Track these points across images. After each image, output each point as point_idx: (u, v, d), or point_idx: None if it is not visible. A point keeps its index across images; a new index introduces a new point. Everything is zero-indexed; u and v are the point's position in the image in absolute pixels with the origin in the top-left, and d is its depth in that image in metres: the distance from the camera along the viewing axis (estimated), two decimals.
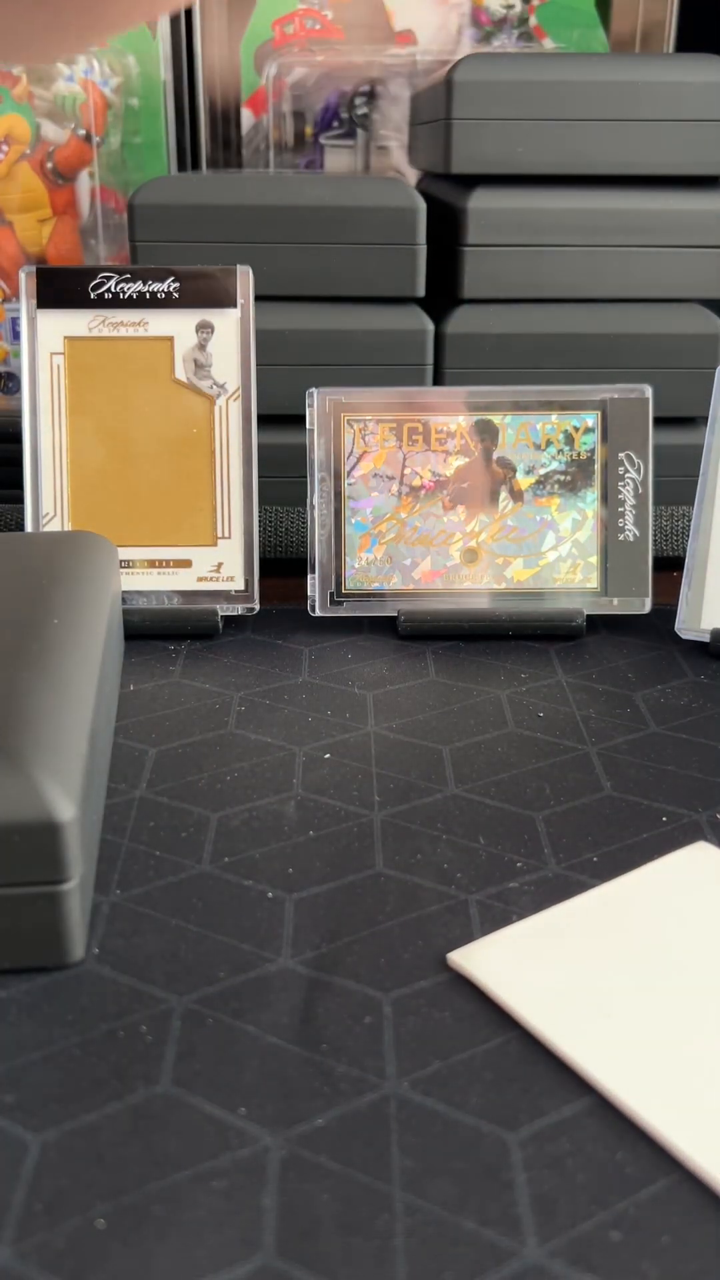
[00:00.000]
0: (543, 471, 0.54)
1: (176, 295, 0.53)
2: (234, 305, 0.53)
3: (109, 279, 0.53)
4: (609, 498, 0.54)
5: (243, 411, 0.53)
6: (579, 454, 0.54)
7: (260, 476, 0.55)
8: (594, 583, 0.54)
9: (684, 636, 0.53)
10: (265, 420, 0.56)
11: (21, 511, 0.57)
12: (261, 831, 0.39)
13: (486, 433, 0.54)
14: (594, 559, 0.54)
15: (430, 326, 0.58)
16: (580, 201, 0.58)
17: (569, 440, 0.54)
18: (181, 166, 0.76)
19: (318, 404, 0.53)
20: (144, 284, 0.53)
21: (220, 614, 0.53)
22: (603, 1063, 0.29)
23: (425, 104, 0.63)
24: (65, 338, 0.53)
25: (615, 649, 0.53)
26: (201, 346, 0.53)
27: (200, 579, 0.54)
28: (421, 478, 0.54)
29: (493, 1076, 0.29)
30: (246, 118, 0.77)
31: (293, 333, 0.58)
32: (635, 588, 0.54)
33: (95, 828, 0.37)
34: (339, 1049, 0.30)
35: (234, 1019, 0.31)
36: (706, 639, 0.52)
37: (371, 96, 0.77)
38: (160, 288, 0.53)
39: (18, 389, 0.75)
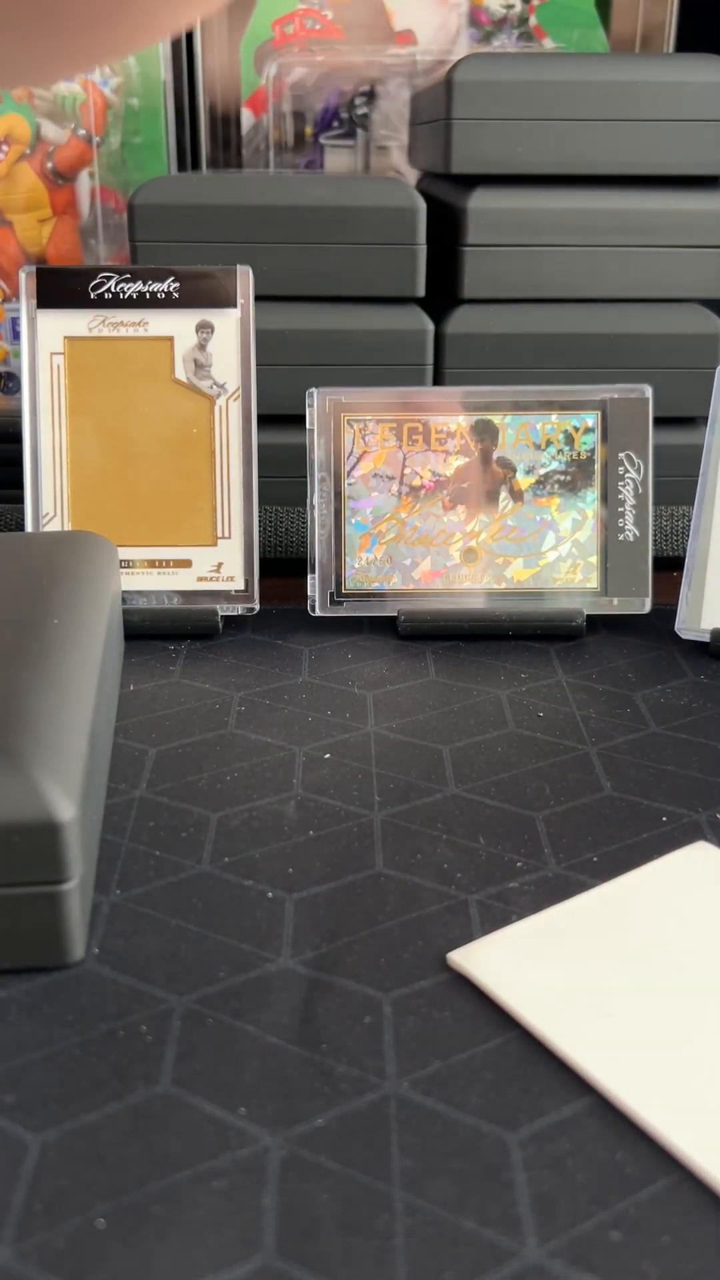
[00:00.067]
0: (543, 471, 0.54)
1: (176, 295, 0.53)
2: (234, 305, 0.53)
3: (109, 279, 0.53)
4: (609, 498, 0.54)
5: (243, 411, 0.53)
6: (579, 454, 0.54)
7: (260, 476, 0.55)
8: (594, 583, 0.54)
9: (684, 636, 0.53)
10: (265, 420, 0.56)
11: (21, 511, 0.57)
12: (261, 831, 0.39)
13: (486, 433, 0.54)
14: (594, 559, 0.54)
15: (430, 326, 0.58)
16: (580, 201, 0.58)
17: (569, 440, 0.54)
18: (181, 166, 0.76)
19: (318, 404, 0.53)
20: (144, 284, 0.53)
21: (220, 614, 0.53)
22: (603, 1063, 0.29)
23: (425, 104, 0.63)
24: (65, 338, 0.53)
25: (615, 649, 0.53)
26: (201, 346, 0.53)
27: (200, 579, 0.54)
28: (421, 478, 0.54)
29: (493, 1076, 0.29)
30: (246, 118, 0.77)
31: (293, 333, 0.58)
32: (635, 588, 0.54)
33: (95, 828, 0.37)
34: (339, 1049, 0.30)
35: (234, 1019, 0.31)
36: (706, 639, 0.52)
37: (371, 96, 0.77)
38: (160, 288, 0.53)
39: (18, 389, 0.75)
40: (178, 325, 0.53)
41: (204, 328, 0.53)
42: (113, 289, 0.53)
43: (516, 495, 0.54)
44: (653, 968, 0.33)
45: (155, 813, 0.40)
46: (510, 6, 0.76)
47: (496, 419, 0.54)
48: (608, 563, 0.54)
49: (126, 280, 0.53)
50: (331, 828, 0.40)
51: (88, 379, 0.53)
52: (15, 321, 0.75)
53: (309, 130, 0.77)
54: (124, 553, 0.54)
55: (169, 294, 0.53)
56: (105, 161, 0.74)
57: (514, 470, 0.54)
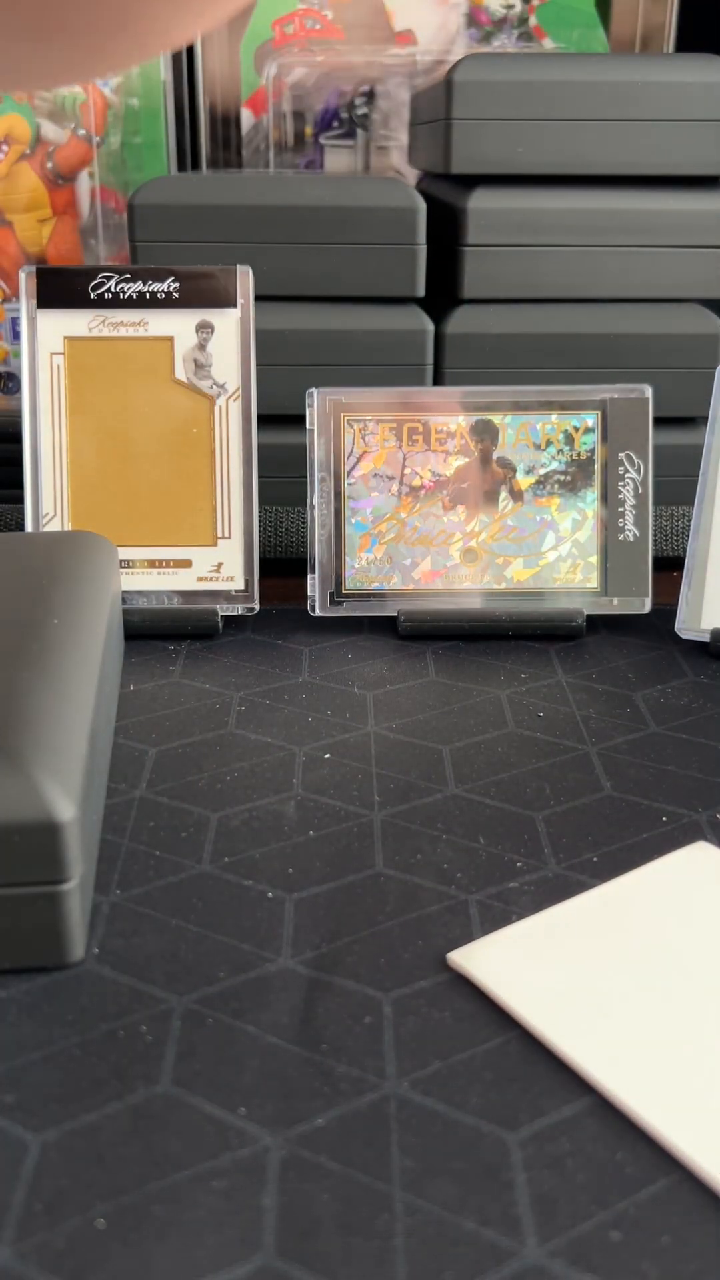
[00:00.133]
0: (543, 471, 0.54)
1: (176, 295, 0.53)
2: (234, 305, 0.53)
3: (109, 279, 0.53)
4: (609, 498, 0.54)
5: (243, 411, 0.53)
6: (579, 454, 0.54)
7: (260, 476, 0.55)
8: (594, 583, 0.54)
9: (684, 636, 0.53)
10: (265, 420, 0.56)
11: (21, 511, 0.57)
12: (261, 831, 0.39)
13: (486, 433, 0.54)
14: (594, 559, 0.54)
15: (430, 326, 0.58)
16: (580, 201, 0.58)
17: (569, 440, 0.54)
18: (181, 166, 0.76)
19: (318, 404, 0.53)
20: (144, 284, 0.53)
21: (220, 614, 0.53)
22: (603, 1063, 0.29)
23: (425, 104, 0.63)
24: (65, 338, 0.53)
25: (615, 649, 0.53)
26: (201, 346, 0.53)
27: (200, 579, 0.54)
28: (421, 478, 0.54)
29: (493, 1076, 0.29)
30: (246, 118, 0.77)
31: (293, 333, 0.58)
32: (635, 588, 0.54)
33: (95, 828, 0.37)
34: (339, 1049, 0.30)
35: (234, 1019, 0.31)
36: (706, 639, 0.52)
37: (371, 96, 0.77)
38: (160, 288, 0.53)
39: (18, 389, 0.75)
40: (178, 325, 0.53)
41: (204, 328, 0.53)
42: (113, 289, 0.53)
43: (516, 495, 0.54)
44: (653, 968, 0.33)
45: (155, 813, 0.40)
46: (510, 6, 0.76)
47: (496, 419, 0.54)
48: (608, 563, 0.54)
49: (126, 280, 0.53)
50: (331, 828, 0.40)
51: (88, 379, 0.53)
52: (15, 321, 0.75)
53: (309, 130, 0.77)
54: (124, 553, 0.54)
55: (169, 294, 0.53)
56: (105, 161, 0.74)
57: (514, 470, 0.54)
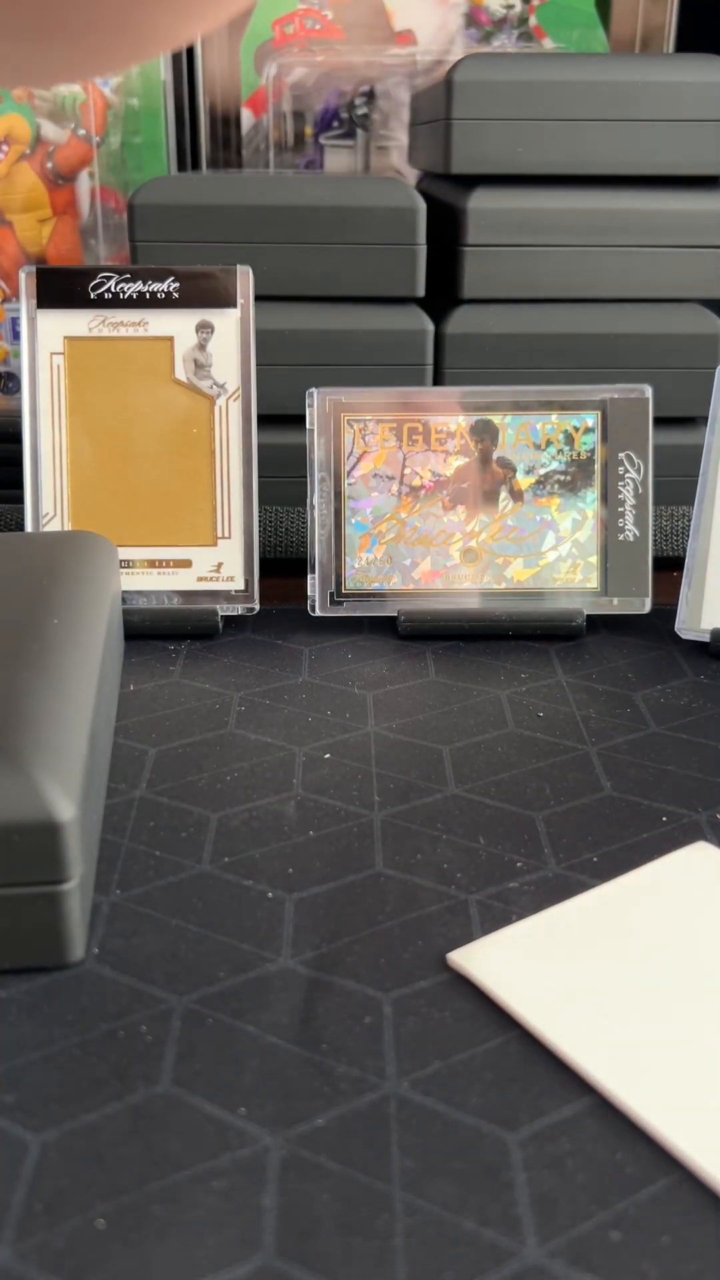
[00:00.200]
0: (543, 471, 0.54)
1: (176, 295, 0.53)
2: (234, 305, 0.53)
3: (109, 279, 0.53)
4: (609, 498, 0.54)
5: (243, 411, 0.53)
6: (579, 454, 0.54)
7: (260, 476, 0.55)
8: (594, 583, 0.54)
9: (684, 636, 0.53)
10: (265, 420, 0.56)
11: (21, 511, 0.57)
12: (261, 831, 0.39)
13: (486, 433, 0.54)
14: (594, 559, 0.54)
15: (430, 326, 0.58)
16: (580, 201, 0.58)
17: (569, 440, 0.54)
18: (181, 166, 0.76)
19: (318, 404, 0.53)
20: (144, 284, 0.53)
21: (220, 614, 0.53)
22: (603, 1063, 0.29)
23: (425, 104, 0.63)
24: (65, 338, 0.53)
25: (615, 649, 0.53)
26: (201, 346, 0.53)
27: (200, 579, 0.54)
28: (421, 478, 0.54)
29: (493, 1076, 0.29)
30: (246, 118, 0.77)
31: (293, 333, 0.58)
32: (635, 588, 0.54)
33: (95, 828, 0.37)
34: (339, 1049, 0.30)
35: (234, 1019, 0.31)
36: (706, 639, 0.52)
37: (371, 96, 0.77)
38: (160, 288, 0.53)
39: (18, 389, 0.75)
40: (178, 325, 0.53)
41: (204, 328, 0.53)
42: (113, 289, 0.53)
43: (516, 495, 0.54)
44: (653, 968, 0.33)
45: (155, 813, 0.40)
46: (510, 6, 0.76)
47: (496, 419, 0.54)
48: (608, 563, 0.54)
49: (126, 280, 0.53)
50: (331, 828, 0.40)
51: (88, 379, 0.53)
52: (15, 321, 0.75)
53: (309, 130, 0.77)
54: (124, 553, 0.54)
55: (169, 294, 0.53)
56: (105, 161, 0.74)
57: (514, 470, 0.54)
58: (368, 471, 0.54)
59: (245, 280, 0.53)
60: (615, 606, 0.54)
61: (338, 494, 0.54)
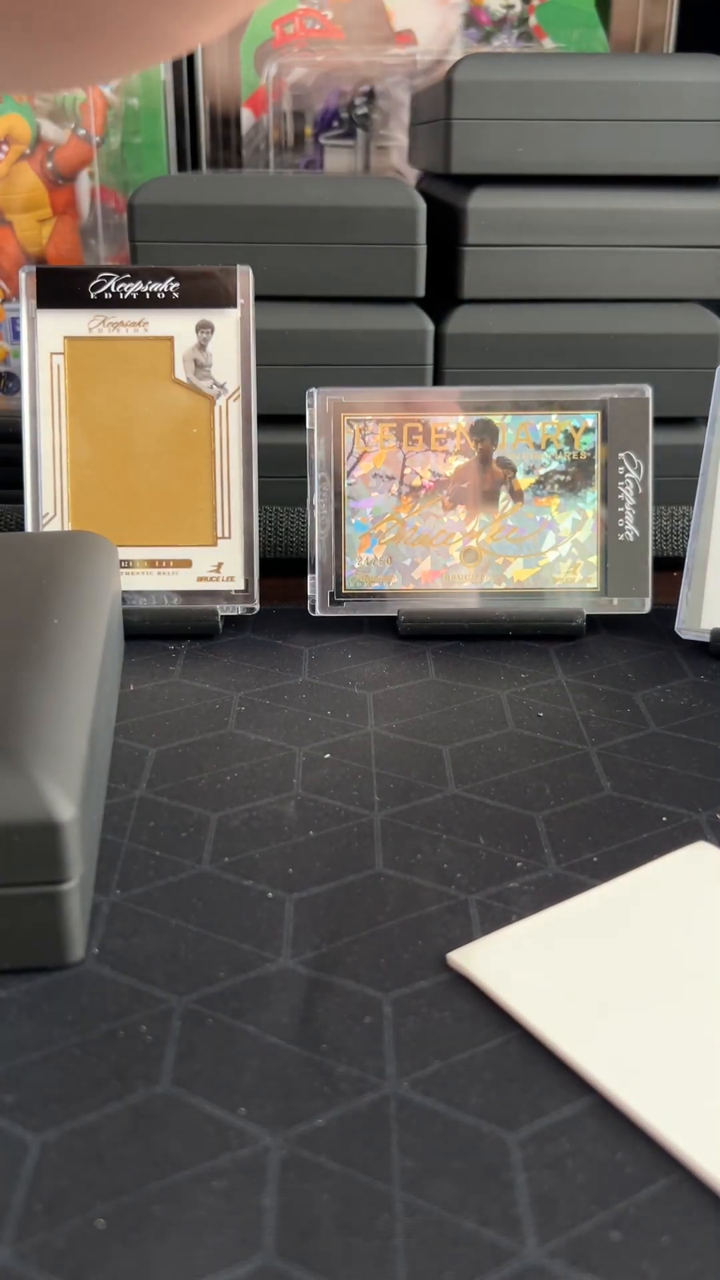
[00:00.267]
0: (543, 471, 0.54)
1: (176, 295, 0.53)
2: (234, 305, 0.53)
3: (109, 279, 0.53)
4: (609, 498, 0.54)
5: (243, 411, 0.53)
6: (579, 454, 0.54)
7: (260, 476, 0.55)
8: (594, 583, 0.54)
9: (684, 636, 0.53)
10: (265, 420, 0.56)
11: (21, 511, 0.57)
12: (261, 831, 0.39)
13: (486, 433, 0.54)
14: (594, 559, 0.54)
15: (430, 326, 0.58)
16: (580, 201, 0.58)
17: (569, 440, 0.54)
18: (181, 166, 0.76)
19: (318, 404, 0.53)
20: (144, 284, 0.53)
21: (220, 614, 0.53)
22: (603, 1063, 0.29)
23: (425, 104, 0.63)
24: (65, 338, 0.53)
25: (615, 649, 0.53)
26: (201, 346, 0.53)
27: (200, 579, 0.54)
28: (421, 478, 0.54)
29: (493, 1076, 0.29)
30: (246, 118, 0.77)
31: (293, 333, 0.58)
32: (635, 588, 0.54)
33: (95, 828, 0.37)
34: (339, 1049, 0.30)
35: (234, 1019, 0.31)
36: (706, 639, 0.52)
37: (371, 96, 0.77)
38: (160, 288, 0.53)
39: (18, 389, 0.75)
40: (178, 325, 0.53)
41: (204, 328, 0.53)
42: (113, 289, 0.53)
43: (516, 495, 0.54)
44: (653, 968, 0.33)
45: (155, 813, 0.40)
46: (510, 6, 0.76)
47: (496, 419, 0.54)
48: (608, 563, 0.54)
49: (126, 280, 0.53)
50: (331, 828, 0.40)
51: (88, 379, 0.53)
52: (15, 321, 0.75)
53: (309, 130, 0.77)
54: (124, 553, 0.54)
55: (169, 294, 0.53)
56: (105, 161, 0.74)
57: (514, 470, 0.54)
58: (368, 471, 0.54)
59: (245, 280, 0.53)
60: (615, 606, 0.54)
61: (338, 494, 0.54)
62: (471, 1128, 0.28)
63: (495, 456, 0.54)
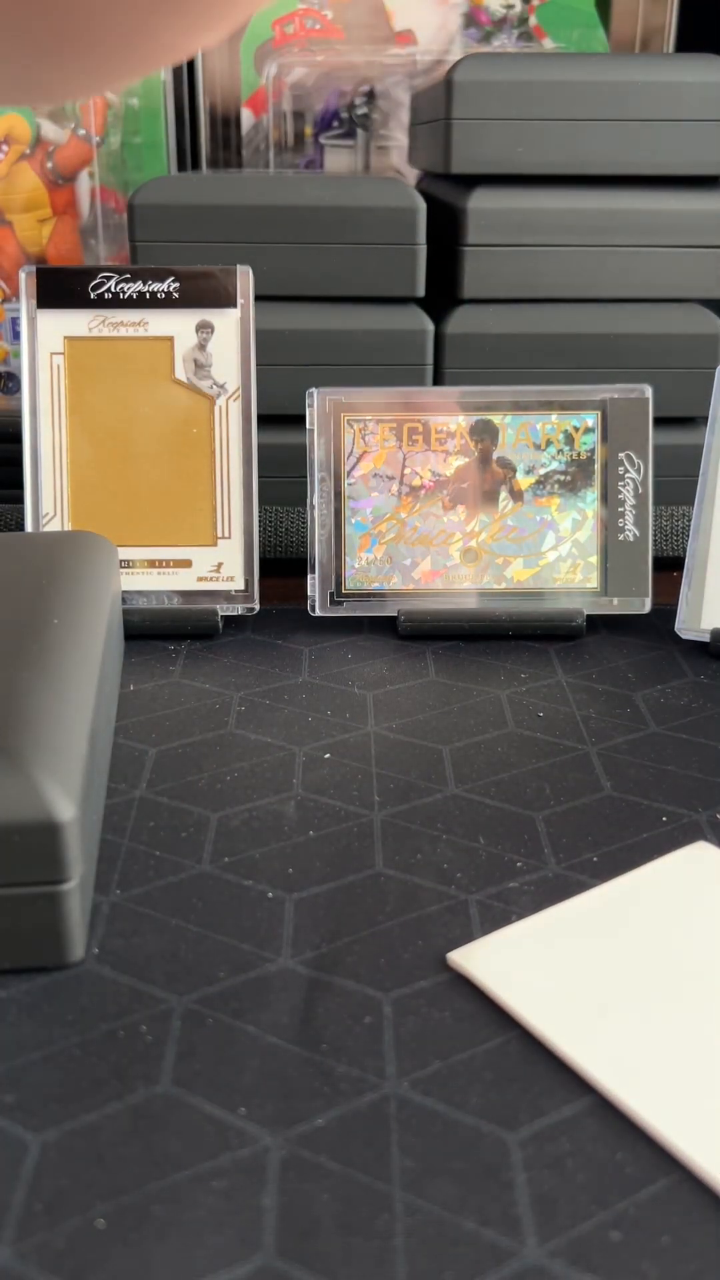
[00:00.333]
0: (543, 471, 0.54)
1: (176, 295, 0.53)
2: (234, 305, 0.53)
3: (109, 279, 0.53)
4: (609, 498, 0.54)
5: (243, 411, 0.53)
6: (579, 454, 0.54)
7: (260, 476, 0.55)
8: (594, 583, 0.54)
9: (684, 636, 0.53)
10: (265, 420, 0.56)
11: (21, 511, 0.57)
12: (261, 831, 0.39)
13: (486, 433, 0.54)
14: (594, 559, 0.54)
15: (430, 326, 0.58)
16: (580, 201, 0.58)
17: (569, 440, 0.54)
18: (181, 166, 0.76)
19: (318, 404, 0.53)
20: (144, 284, 0.53)
21: (220, 614, 0.53)
22: (603, 1063, 0.29)
23: (425, 104, 0.63)
24: (65, 338, 0.53)
25: (615, 649, 0.53)
26: (201, 346, 0.53)
27: (200, 579, 0.54)
28: (421, 478, 0.54)
29: (493, 1076, 0.29)
30: (246, 118, 0.77)
31: (293, 333, 0.58)
32: (635, 588, 0.54)
33: (95, 828, 0.37)
34: (339, 1049, 0.30)
35: (234, 1019, 0.31)
36: (706, 639, 0.52)
37: (371, 96, 0.77)
38: (160, 288, 0.53)
39: (18, 389, 0.75)
40: (178, 325, 0.53)
41: (204, 328, 0.53)
42: (113, 289, 0.53)
43: (516, 495, 0.54)
44: (653, 968, 0.33)
45: (155, 813, 0.40)
46: (510, 6, 0.76)
47: (496, 419, 0.54)
48: (608, 563, 0.54)
49: (126, 280, 0.53)
50: (331, 828, 0.40)
51: (88, 379, 0.53)
52: (15, 321, 0.75)
53: (309, 130, 0.77)
54: (124, 553, 0.54)
55: (169, 294, 0.53)
56: (105, 161, 0.74)
57: (514, 470, 0.54)
58: (368, 471, 0.54)
59: (245, 280, 0.53)
60: (615, 606, 0.54)
61: (338, 494, 0.54)
62: (471, 1128, 0.28)
63: (495, 456, 0.54)
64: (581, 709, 0.48)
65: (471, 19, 0.77)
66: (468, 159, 0.57)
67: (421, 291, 0.58)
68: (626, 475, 0.54)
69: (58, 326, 0.53)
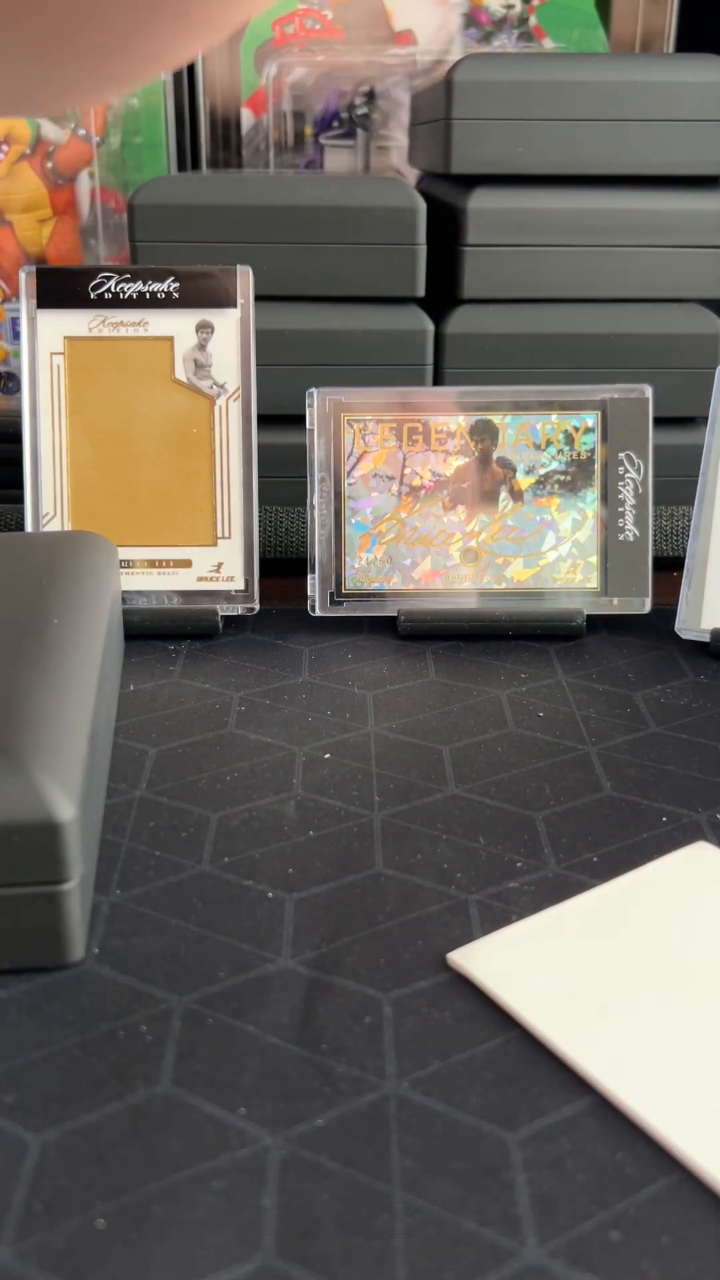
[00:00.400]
0: (543, 471, 0.54)
1: (176, 295, 0.53)
2: (234, 305, 0.53)
3: (109, 279, 0.53)
4: (609, 498, 0.54)
5: (243, 411, 0.53)
6: (579, 454, 0.54)
7: (260, 476, 0.55)
8: (594, 583, 0.54)
9: (684, 636, 0.53)
10: (265, 420, 0.56)
11: (21, 511, 0.57)
12: (261, 831, 0.39)
13: (486, 433, 0.54)
14: (594, 559, 0.54)
15: (430, 326, 0.58)
16: (580, 201, 0.58)
17: (569, 440, 0.54)
18: (181, 166, 0.76)
19: (318, 404, 0.53)
20: (144, 284, 0.53)
21: (220, 614, 0.53)
22: (603, 1063, 0.29)
23: (425, 104, 0.63)
24: (65, 338, 0.53)
25: (615, 649, 0.53)
26: (201, 346, 0.53)
27: (200, 579, 0.54)
28: (421, 478, 0.54)
29: (493, 1076, 0.29)
30: (246, 118, 0.77)
31: (293, 333, 0.58)
32: (635, 588, 0.54)
33: (95, 828, 0.37)
34: (339, 1049, 0.30)
35: (234, 1019, 0.31)
36: (706, 639, 0.52)
37: (371, 96, 0.77)
38: (160, 288, 0.53)
39: (18, 389, 0.75)
40: (178, 325, 0.53)
41: (204, 328, 0.53)
42: (113, 289, 0.53)
43: (516, 495, 0.54)
44: (653, 968, 0.33)
45: (155, 813, 0.40)
46: (510, 6, 0.76)
47: (496, 419, 0.54)
48: (608, 563, 0.54)
49: (126, 280, 0.53)
50: (331, 828, 0.40)
51: (88, 379, 0.53)
52: (15, 321, 0.75)
53: (309, 130, 0.77)
54: (124, 553, 0.54)
55: (169, 294, 0.53)
56: (105, 161, 0.74)
57: (514, 470, 0.54)
58: (368, 471, 0.54)
59: (245, 280, 0.53)
60: (615, 606, 0.54)
61: (338, 494, 0.54)
62: (471, 1128, 0.28)
63: (495, 456, 0.54)
64: (581, 709, 0.48)
65: (471, 19, 0.77)
66: (468, 159, 0.57)
67: (421, 291, 0.58)
68: (626, 475, 0.54)
69: (58, 326, 0.53)
